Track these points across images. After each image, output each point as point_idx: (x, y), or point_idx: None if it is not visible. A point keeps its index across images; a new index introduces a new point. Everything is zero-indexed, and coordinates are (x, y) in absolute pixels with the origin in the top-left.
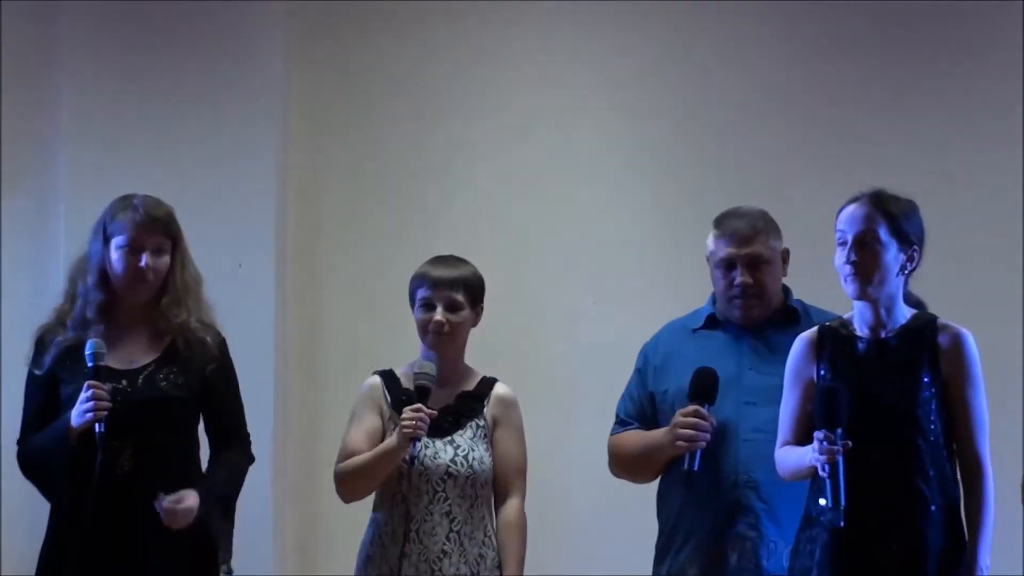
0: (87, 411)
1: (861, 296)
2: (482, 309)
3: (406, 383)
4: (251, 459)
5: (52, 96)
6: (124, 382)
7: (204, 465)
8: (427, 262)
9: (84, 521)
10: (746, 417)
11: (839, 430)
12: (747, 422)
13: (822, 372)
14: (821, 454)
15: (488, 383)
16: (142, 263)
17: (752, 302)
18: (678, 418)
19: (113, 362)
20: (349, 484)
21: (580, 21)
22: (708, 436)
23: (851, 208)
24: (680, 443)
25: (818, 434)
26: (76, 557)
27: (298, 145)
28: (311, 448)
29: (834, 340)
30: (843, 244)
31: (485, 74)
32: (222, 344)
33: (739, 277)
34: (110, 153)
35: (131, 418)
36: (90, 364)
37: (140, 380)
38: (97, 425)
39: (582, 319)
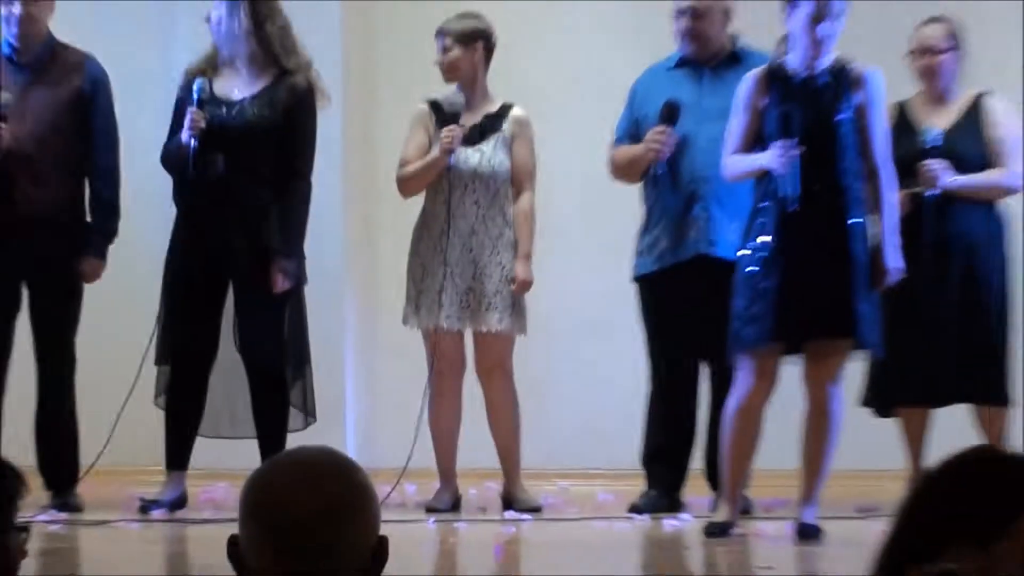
0: (188, 132)
1: (815, 49)
2: (480, 48)
3: (446, 108)
4: (309, 188)
5: None
6: (224, 109)
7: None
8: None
9: (184, 207)
10: (702, 132)
11: (795, 139)
12: (703, 135)
13: (769, 99)
14: (783, 156)
15: (507, 107)
16: (215, 33)
17: (694, 42)
18: (648, 136)
19: (222, 92)
20: (406, 185)
21: None
22: (670, 149)
23: None
24: (650, 154)
25: (777, 143)
26: (181, 236)
27: None
28: (370, 161)
29: (778, 76)
30: (806, 13)
31: None
32: (307, 92)
33: (685, 22)
34: None
35: (224, 138)
36: (194, 97)
37: (235, 110)
38: (192, 141)
39: (583, 60)
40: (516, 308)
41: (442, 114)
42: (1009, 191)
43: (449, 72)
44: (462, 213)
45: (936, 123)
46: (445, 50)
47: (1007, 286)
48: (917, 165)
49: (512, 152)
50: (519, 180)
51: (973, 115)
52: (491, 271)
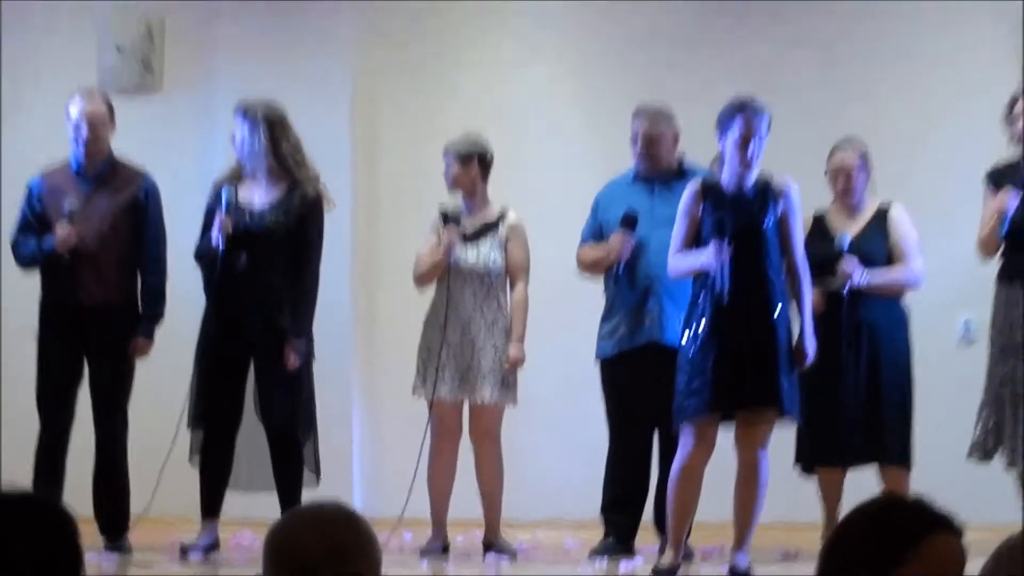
0: (217, 235)
1: (743, 166)
2: (476, 165)
3: (450, 214)
4: (317, 280)
5: (211, 35)
6: (247, 216)
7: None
8: None
9: (212, 297)
10: (654, 236)
11: (725, 242)
12: (655, 239)
13: (704, 208)
14: (717, 256)
15: (503, 213)
16: (239, 151)
17: (647, 162)
18: (611, 239)
19: (245, 199)
20: (418, 279)
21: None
22: (628, 252)
23: (741, 116)
24: (611, 256)
25: (713, 243)
26: (211, 320)
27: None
28: (375, 255)
29: (713, 189)
30: (736, 137)
31: (479, 30)
32: (315, 201)
33: (640, 145)
34: (245, 67)
35: (246, 240)
36: (222, 205)
37: (256, 217)
38: (220, 242)
39: (556, 179)
40: (507, 383)
41: (448, 218)
42: (910, 286)
43: (452, 185)
44: (461, 302)
45: (848, 229)
46: (449, 166)
47: (908, 365)
48: (834, 265)
49: (507, 251)
50: (514, 275)
51: (878, 222)
52: (486, 351)
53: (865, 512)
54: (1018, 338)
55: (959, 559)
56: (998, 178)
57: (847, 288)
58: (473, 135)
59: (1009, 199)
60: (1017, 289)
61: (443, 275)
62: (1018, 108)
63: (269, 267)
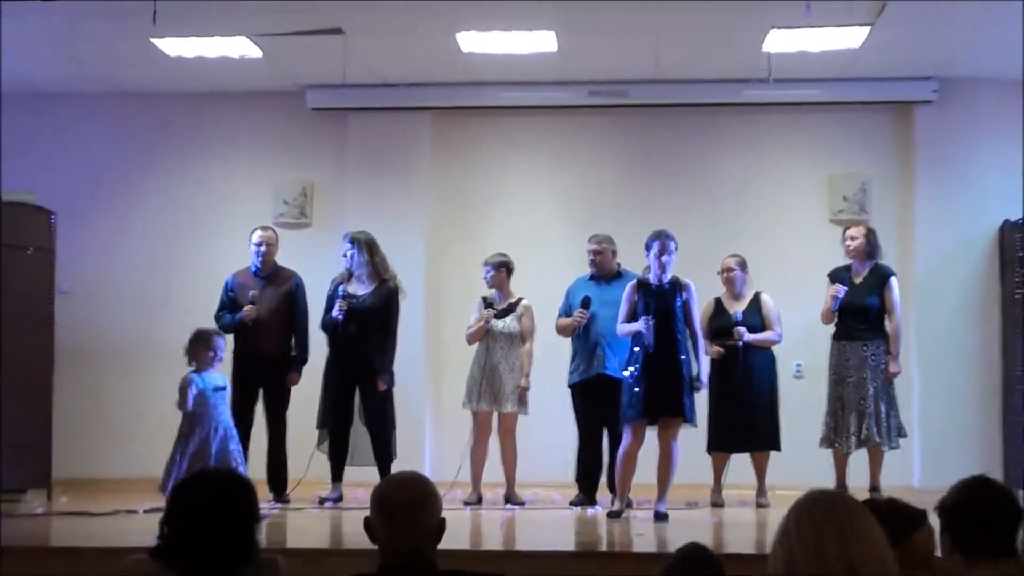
0: (337, 312)
1: (660, 270)
2: (504, 270)
3: (488, 300)
4: (395, 338)
5: (341, 193)
6: (355, 300)
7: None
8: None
9: (333, 349)
10: (601, 313)
11: (651, 316)
12: (601, 315)
13: (638, 296)
14: (645, 324)
15: (520, 299)
16: (348, 262)
17: (597, 267)
18: (575, 315)
19: (353, 290)
20: (469, 339)
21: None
22: (585, 320)
23: (658, 240)
24: (575, 323)
25: (643, 318)
26: (332, 363)
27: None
28: (437, 326)
29: (644, 285)
30: (655, 252)
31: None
32: (394, 290)
33: (592, 257)
34: (359, 212)
35: (355, 315)
36: (340, 295)
37: (359, 301)
38: (340, 316)
39: (543, 280)
40: (522, 400)
41: (487, 303)
42: (775, 342)
43: (490, 284)
44: (493, 352)
45: (736, 308)
46: (488, 272)
47: (775, 388)
48: (731, 330)
49: (521, 323)
50: (525, 336)
51: (755, 303)
52: (507, 381)
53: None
54: (842, 374)
55: (934, 541)
56: (834, 276)
57: (740, 343)
58: (501, 253)
59: (840, 289)
60: (844, 344)
61: (483, 336)
62: (847, 235)
63: (367, 331)
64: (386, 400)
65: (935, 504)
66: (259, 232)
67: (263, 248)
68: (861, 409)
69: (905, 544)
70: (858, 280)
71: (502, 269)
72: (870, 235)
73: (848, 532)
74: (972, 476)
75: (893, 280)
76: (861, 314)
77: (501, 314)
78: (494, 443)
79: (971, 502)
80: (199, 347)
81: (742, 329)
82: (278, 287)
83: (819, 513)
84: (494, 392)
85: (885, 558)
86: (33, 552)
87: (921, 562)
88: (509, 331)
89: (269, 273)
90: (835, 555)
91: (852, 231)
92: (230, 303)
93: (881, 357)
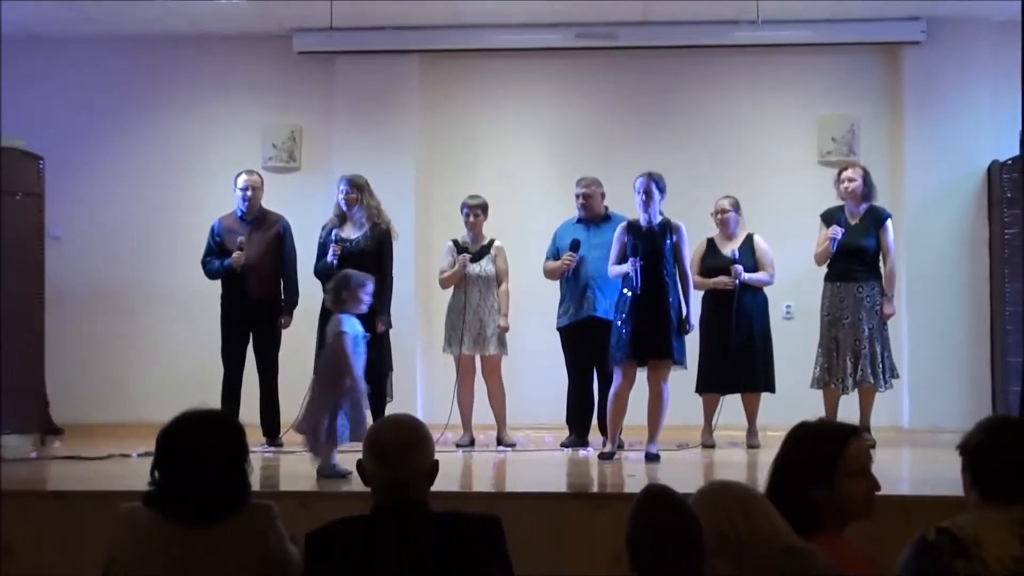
0: (331, 256)
1: (645, 210)
2: (482, 213)
3: (461, 244)
4: (392, 280)
5: (328, 136)
6: (348, 243)
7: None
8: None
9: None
10: (590, 255)
11: (639, 258)
12: (590, 256)
13: (628, 237)
14: (634, 265)
15: (492, 241)
16: (343, 204)
17: (585, 210)
18: (563, 258)
19: (346, 235)
20: (443, 283)
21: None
22: (574, 264)
23: (643, 179)
24: (563, 267)
25: (632, 259)
26: (326, 308)
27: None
28: (428, 267)
29: (633, 226)
30: (641, 192)
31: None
32: (387, 232)
33: (580, 201)
34: (349, 156)
35: (349, 258)
36: (333, 239)
37: (353, 243)
38: (335, 260)
39: (529, 218)
40: (501, 341)
41: (459, 247)
42: (767, 283)
43: (470, 228)
44: (471, 296)
45: (731, 247)
46: (467, 214)
47: (768, 328)
48: (727, 268)
49: (495, 264)
50: (500, 278)
51: (748, 243)
52: (488, 324)
53: (800, 434)
54: (837, 315)
55: (869, 453)
56: (828, 217)
57: (737, 281)
58: (478, 196)
59: (837, 230)
60: (839, 285)
61: (459, 281)
62: (844, 176)
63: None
64: (383, 341)
65: (956, 444)
66: (244, 176)
67: (248, 192)
68: (857, 350)
69: (842, 457)
70: (854, 221)
71: (482, 211)
72: (867, 176)
73: (744, 517)
74: (996, 415)
75: (889, 222)
76: (856, 255)
77: (475, 257)
78: (480, 386)
79: (995, 443)
80: (357, 291)
81: (739, 267)
82: (265, 231)
83: (718, 503)
84: (474, 335)
85: (779, 531)
86: (27, 496)
87: (859, 473)
88: (485, 274)
89: (255, 217)
90: (735, 535)
91: (849, 172)
92: (217, 248)
93: (876, 298)
